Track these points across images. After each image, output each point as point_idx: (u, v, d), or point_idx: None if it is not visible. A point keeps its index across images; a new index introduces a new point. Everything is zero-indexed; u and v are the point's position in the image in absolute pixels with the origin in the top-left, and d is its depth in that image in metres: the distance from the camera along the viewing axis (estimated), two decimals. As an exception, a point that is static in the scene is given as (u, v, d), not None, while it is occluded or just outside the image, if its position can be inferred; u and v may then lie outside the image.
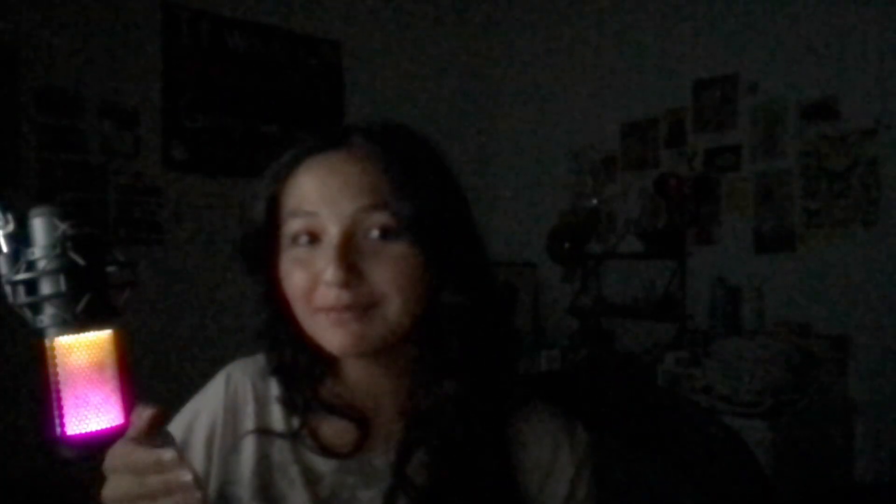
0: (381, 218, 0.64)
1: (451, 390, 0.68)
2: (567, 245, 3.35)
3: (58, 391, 0.53)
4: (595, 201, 3.46)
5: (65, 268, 0.53)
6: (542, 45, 3.73)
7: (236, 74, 3.11)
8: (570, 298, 3.41)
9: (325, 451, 0.70)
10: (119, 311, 0.57)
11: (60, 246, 0.54)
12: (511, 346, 0.74)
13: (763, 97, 2.91)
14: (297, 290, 0.66)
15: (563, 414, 0.77)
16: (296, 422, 0.72)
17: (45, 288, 0.54)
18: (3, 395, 2.32)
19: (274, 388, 0.74)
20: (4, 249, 0.55)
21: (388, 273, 0.64)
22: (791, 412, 2.34)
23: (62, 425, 0.53)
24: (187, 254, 2.89)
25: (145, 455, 0.51)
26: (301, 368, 0.72)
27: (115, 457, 0.53)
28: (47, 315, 0.54)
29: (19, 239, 0.55)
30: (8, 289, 0.54)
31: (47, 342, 0.54)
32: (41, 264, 0.54)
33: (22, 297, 0.54)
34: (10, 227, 0.55)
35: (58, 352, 0.54)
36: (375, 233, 0.64)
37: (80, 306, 0.53)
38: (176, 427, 0.71)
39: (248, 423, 0.72)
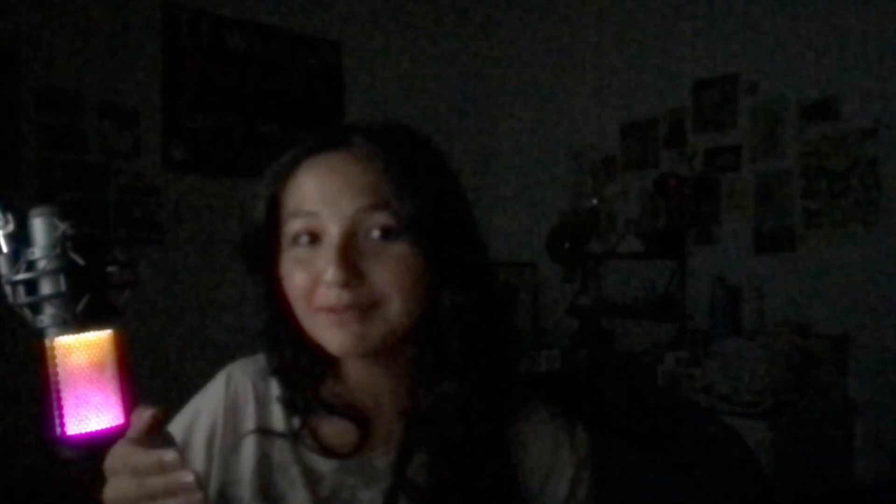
0: (381, 218, 0.64)
1: (452, 390, 0.68)
2: (567, 245, 3.35)
3: (58, 391, 0.53)
4: (595, 201, 3.46)
5: (65, 268, 0.53)
6: (542, 45, 3.73)
7: (236, 74, 3.11)
8: (570, 298, 3.41)
9: (326, 451, 0.70)
10: (119, 311, 0.57)
11: (60, 246, 0.54)
12: (511, 346, 0.74)
13: (763, 97, 2.91)
14: (297, 290, 0.66)
15: (563, 414, 0.76)
16: (296, 422, 0.72)
17: (45, 288, 0.54)
18: (3, 395, 2.32)
19: (274, 388, 0.74)
20: (4, 249, 0.55)
21: (389, 273, 0.64)
22: (791, 412, 2.34)
23: (62, 425, 0.53)
24: (187, 254, 2.89)
25: (146, 456, 0.51)
26: (301, 368, 0.72)
27: (116, 458, 0.53)
28: (47, 315, 0.54)
29: (19, 239, 0.55)
30: (8, 289, 0.54)
31: (47, 342, 0.54)
32: (41, 264, 0.54)
33: (22, 297, 0.54)
34: (10, 227, 0.55)
35: (58, 352, 0.54)
36: (376, 233, 0.64)
37: (80, 306, 0.53)
38: (176, 427, 0.71)
39: (249, 423, 0.72)
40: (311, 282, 0.65)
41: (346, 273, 0.62)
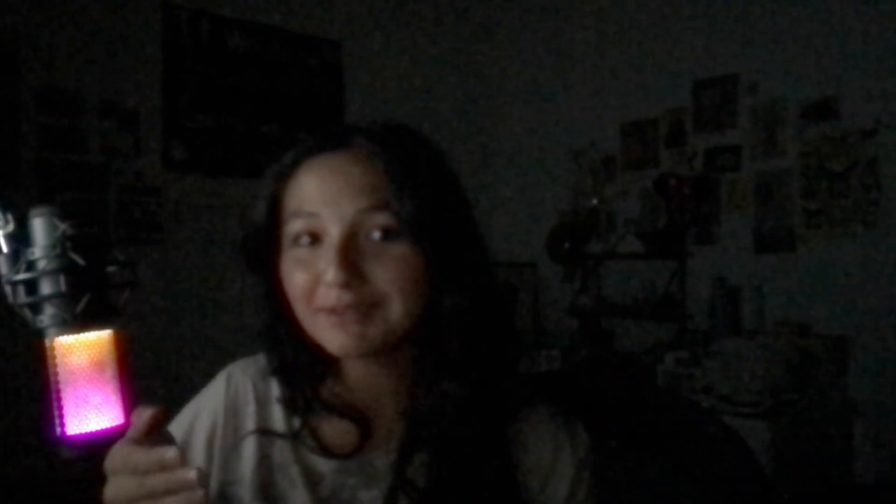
0: (382, 219, 0.64)
1: (452, 391, 0.68)
2: (567, 245, 3.35)
3: (58, 391, 0.53)
4: (595, 201, 3.46)
5: (65, 268, 0.53)
6: (542, 45, 3.73)
7: (236, 74, 3.11)
8: (570, 298, 3.41)
9: (326, 451, 0.70)
10: (119, 311, 0.57)
11: (60, 246, 0.54)
12: (512, 346, 0.74)
13: (763, 97, 2.91)
14: (297, 290, 0.66)
15: (563, 414, 0.76)
16: (296, 422, 0.72)
17: (45, 288, 0.54)
18: (4, 395, 2.32)
19: (274, 389, 0.74)
20: (4, 249, 0.55)
21: (390, 274, 0.64)
22: (791, 412, 2.34)
23: (62, 425, 0.53)
24: (187, 254, 2.89)
25: (146, 454, 0.51)
26: (302, 368, 0.72)
27: (116, 457, 0.53)
28: (47, 315, 0.54)
29: (19, 239, 0.55)
30: (8, 289, 0.54)
31: (47, 342, 0.54)
32: (41, 264, 0.54)
33: (22, 297, 0.54)
34: (10, 227, 0.55)
35: (58, 352, 0.54)
36: (377, 234, 0.64)
37: (80, 306, 0.53)
38: (176, 427, 0.71)
39: (249, 423, 0.72)
40: (311, 282, 0.65)
41: (346, 274, 0.62)
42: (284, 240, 0.68)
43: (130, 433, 0.53)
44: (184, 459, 0.52)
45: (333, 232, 0.64)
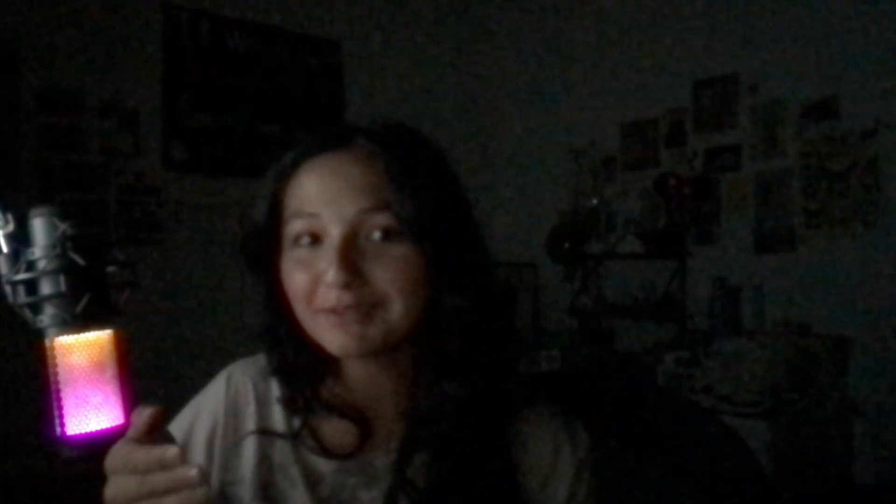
0: (382, 219, 0.64)
1: (452, 391, 0.68)
2: (567, 245, 3.35)
3: (58, 391, 0.53)
4: (595, 201, 3.46)
5: (65, 268, 0.53)
6: (542, 45, 3.73)
7: (236, 74, 3.11)
8: (570, 298, 3.41)
9: (326, 451, 0.70)
10: (119, 311, 0.57)
11: (60, 246, 0.54)
12: (512, 346, 0.74)
13: (763, 97, 2.91)
14: (298, 290, 0.66)
15: (563, 414, 0.76)
16: (297, 422, 0.72)
17: (45, 288, 0.54)
18: (4, 395, 2.32)
19: (275, 389, 0.74)
20: (4, 249, 0.55)
21: (390, 274, 0.64)
22: (791, 412, 2.34)
23: (62, 425, 0.53)
24: (187, 254, 2.89)
25: (146, 453, 0.51)
26: (302, 369, 0.72)
27: (116, 457, 0.53)
28: (47, 315, 0.54)
29: (19, 239, 0.55)
30: (8, 289, 0.54)
31: (47, 342, 0.54)
32: (41, 264, 0.54)
33: (22, 297, 0.54)
34: (10, 227, 0.55)
35: (58, 352, 0.54)
36: (377, 234, 0.64)
37: (80, 306, 0.53)
38: (176, 427, 0.71)
39: (249, 423, 0.72)
40: (311, 283, 0.65)
41: (346, 274, 0.62)
42: (285, 240, 0.68)
43: (130, 433, 0.53)
44: (184, 458, 0.52)
45: (334, 232, 0.64)
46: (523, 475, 0.72)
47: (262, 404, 0.73)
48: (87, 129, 2.73)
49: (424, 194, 0.65)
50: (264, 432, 0.72)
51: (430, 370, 0.69)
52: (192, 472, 0.50)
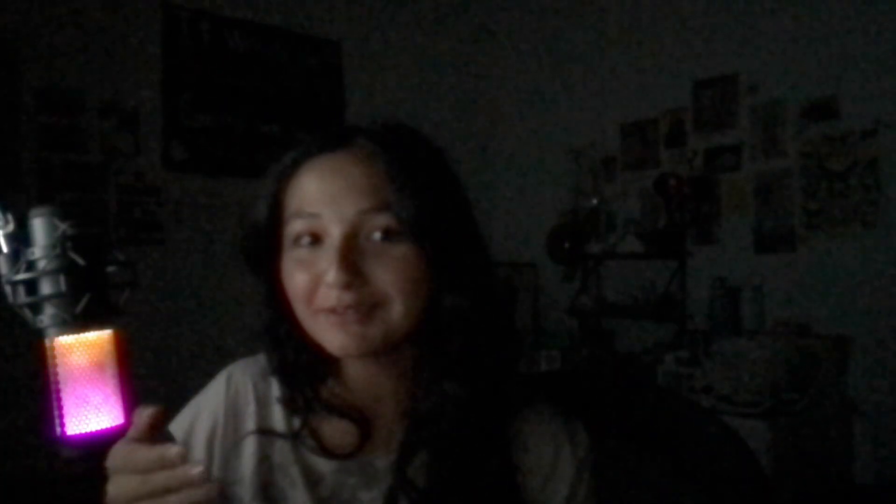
0: (383, 220, 0.64)
1: (452, 391, 0.68)
2: (567, 245, 3.35)
3: (58, 391, 0.53)
4: (595, 201, 3.46)
5: (65, 268, 0.53)
6: (542, 45, 3.73)
7: (236, 74, 3.11)
8: (570, 298, 3.41)
9: (326, 451, 0.70)
10: (119, 311, 0.57)
11: (60, 246, 0.54)
12: (512, 346, 0.74)
13: (763, 97, 2.91)
14: (298, 290, 0.66)
15: (563, 414, 0.76)
16: (297, 422, 0.72)
17: (45, 288, 0.54)
18: (4, 395, 2.32)
19: (275, 389, 0.74)
20: (4, 249, 0.55)
21: (391, 274, 0.64)
22: (791, 412, 2.34)
23: (62, 425, 0.53)
24: (187, 254, 2.89)
25: (148, 452, 0.51)
26: (302, 369, 0.72)
27: (118, 456, 0.53)
28: (47, 315, 0.54)
29: (19, 239, 0.55)
30: (8, 289, 0.54)
31: (47, 342, 0.54)
32: (41, 264, 0.54)
33: (22, 297, 0.54)
34: (10, 227, 0.55)
35: (58, 352, 0.54)
36: (377, 234, 0.64)
37: (80, 306, 0.53)
38: (176, 427, 0.71)
39: (249, 423, 0.72)
40: (312, 283, 0.65)
41: (347, 275, 0.62)
42: (285, 240, 0.68)
43: (132, 433, 0.53)
44: (186, 457, 0.52)
45: (334, 232, 0.64)
46: (523, 475, 0.72)
47: (262, 404, 0.73)
48: (87, 129, 2.73)
49: (425, 194, 0.65)
50: (264, 432, 0.72)
51: (430, 370, 0.69)
52: (195, 471, 0.51)
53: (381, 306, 0.64)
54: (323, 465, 0.70)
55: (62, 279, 0.53)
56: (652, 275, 3.17)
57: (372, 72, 3.48)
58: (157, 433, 0.53)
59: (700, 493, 0.84)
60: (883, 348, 2.55)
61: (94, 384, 0.54)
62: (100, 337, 0.55)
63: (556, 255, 3.41)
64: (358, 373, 0.72)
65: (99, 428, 0.54)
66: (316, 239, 0.66)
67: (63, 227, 0.54)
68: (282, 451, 0.71)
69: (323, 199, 0.65)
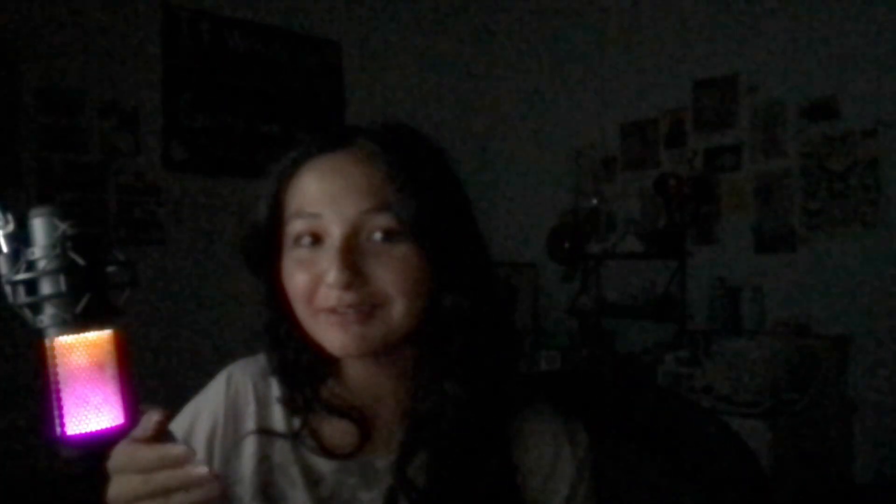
0: (384, 220, 0.64)
1: (453, 391, 0.68)
2: (567, 245, 3.35)
3: (58, 391, 0.53)
4: (595, 201, 3.46)
5: (65, 268, 0.53)
6: (542, 45, 3.73)
7: (236, 74, 3.11)
8: (570, 298, 3.41)
9: (326, 451, 0.70)
10: (119, 310, 0.57)
11: (60, 246, 0.54)
12: (512, 346, 0.74)
13: (763, 97, 2.91)
14: (298, 290, 0.66)
15: (563, 414, 0.76)
16: (297, 422, 0.72)
17: (45, 288, 0.54)
18: (3, 395, 2.32)
19: (275, 389, 0.74)
20: (4, 249, 0.55)
21: (391, 275, 0.64)
22: (791, 412, 2.34)
23: (62, 425, 0.53)
24: (187, 254, 2.89)
25: (151, 452, 0.51)
26: (302, 369, 0.72)
27: (120, 456, 0.53)
28: (47, 315, 0.54)
29: (19, 239, 0.55)
30: (8, 289, 0.54)
31: (47, 342, 0.54)
32: (41, 264, 0.54)
33: (22, 297, 0.54)
34: (10, 227, 0.55)
35: (58, 352, 0.54)
36: (378, 235, 0.64)
37: (80, 306, 0.53)
38: (176, 427, 0.71)
39: (249, 423, 0.72)
40: (312, 283, 0.65)
41: (347, 275, 0.63)
42: (285, 240, 0.68)
43: (135, 433, 0.53)
44: (192, 457, 0.52)
45: (335, 233, 0.64)
46: (523, 475, 0.72)
47: (262, 404, 0.73)
48: (87, 128, 2.73)
49: (425, 195, 0.65)
50: (264, 432, 0.72)
51: (430, 370, 0.69)
52: (198, 471, 0.51)
53: (381, 306, 0.65)
54: (323, 465, 0.70)
55: (62, 279, 0.53)
56: (652, 275, 3.17)
57: (372, 72, 3.48)
58: (161, 435, 0.53)
59: (700, 493, 0.84)
60: (883, 348, 2.55)
61: (94, 384, 0.54)
62: (100, 337, 0.55)
63: (556, 255, 3.41)
64: (358, 373, 0.72)
65: (99, 428, 0.54)
66: (316, 239, 0.66)
67: (63, 227, 0.54)
68: (282, 451, 0.71)
69: (323, 199, 0.65)
